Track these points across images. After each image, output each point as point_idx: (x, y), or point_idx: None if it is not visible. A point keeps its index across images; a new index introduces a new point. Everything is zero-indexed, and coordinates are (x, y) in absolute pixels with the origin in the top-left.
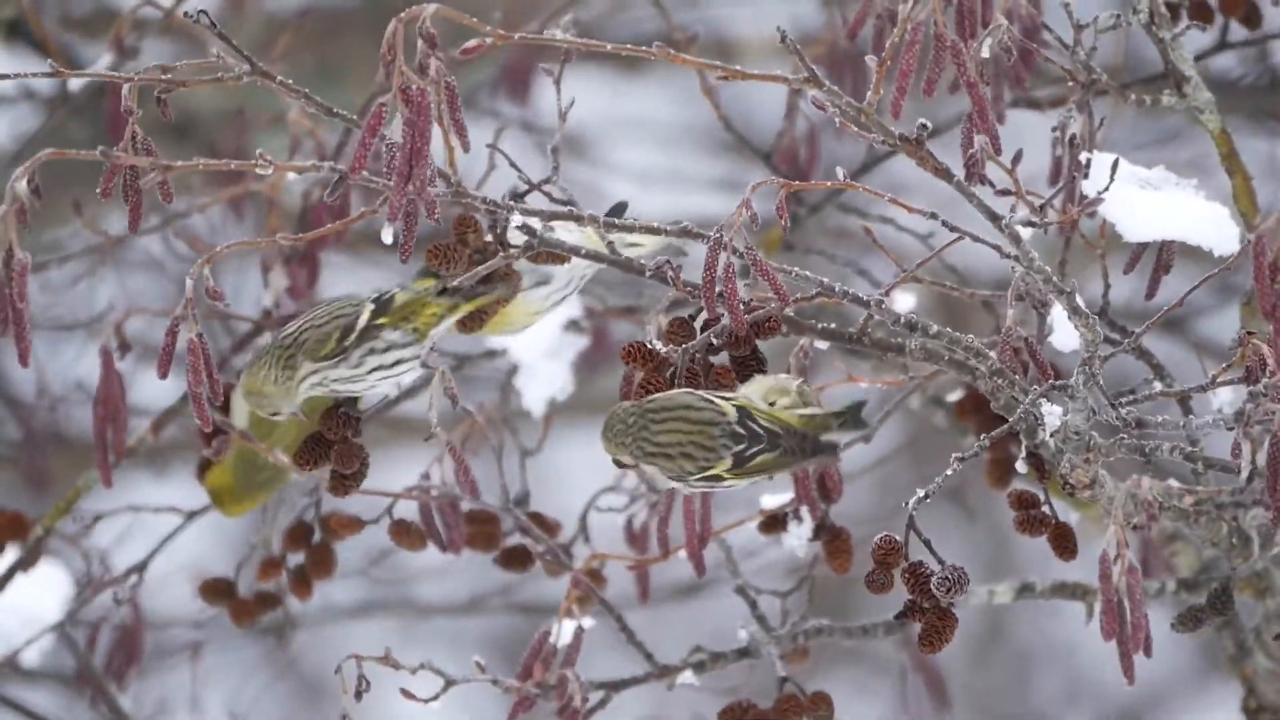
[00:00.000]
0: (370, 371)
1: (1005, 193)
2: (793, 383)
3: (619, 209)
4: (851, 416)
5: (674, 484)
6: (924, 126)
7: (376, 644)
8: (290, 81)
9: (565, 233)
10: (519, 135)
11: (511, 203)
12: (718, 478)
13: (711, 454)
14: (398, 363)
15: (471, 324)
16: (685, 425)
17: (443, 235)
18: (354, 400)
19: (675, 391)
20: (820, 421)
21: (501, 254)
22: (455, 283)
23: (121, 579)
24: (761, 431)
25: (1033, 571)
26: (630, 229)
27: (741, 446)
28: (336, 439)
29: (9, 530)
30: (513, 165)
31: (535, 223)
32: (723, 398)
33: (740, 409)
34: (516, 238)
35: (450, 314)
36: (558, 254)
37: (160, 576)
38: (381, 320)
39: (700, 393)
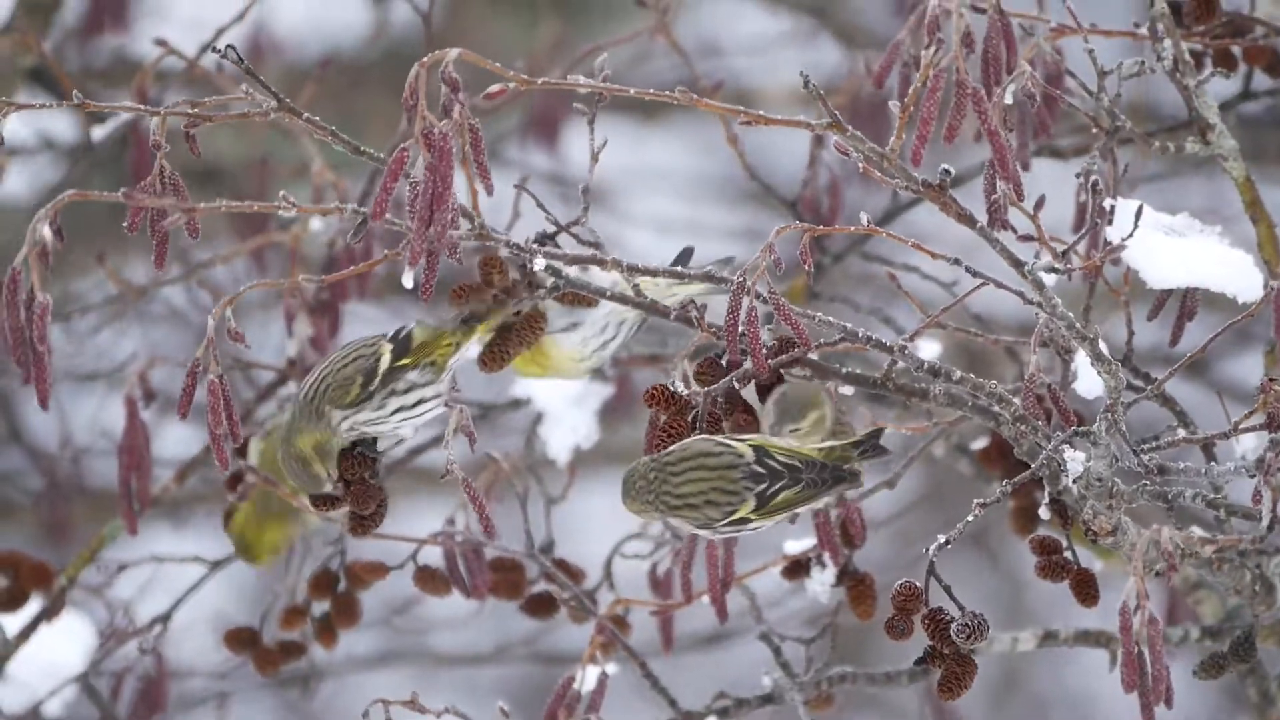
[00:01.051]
0: (394, 413)
1: (1028, 238)
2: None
3: (685, 255)
4: (871, 444)
5: (700, 532)
6: (946, 172)
7: (396, 693)
8: (315, 119)
9: (601, 278)
10: (544, 184)
11: (535, 245)
12: (744, 520)
13: (735, 497)
14: (419, 402)
15: (492, 363)
16: (705, 473)
17: (468, 276)
18: (371, 440)
19: (690, 440)
20: (840, 453)
21: (528, 294)
22: (469, 311)
23: (145, 629)
24: (781, 468)
25: (1049, 619)
26: (654, 273)
27: (763, 486)
28: (354, 480)
29: (33, 580)
30: (540, 206)
31: (560, 265)
32: (738, 439)
33: (756, 448)
34: (546, 279)
35: (466, 339)
36: (585, 296)
37: (181, 627)
38: (404, 362)
39: (716, 438)
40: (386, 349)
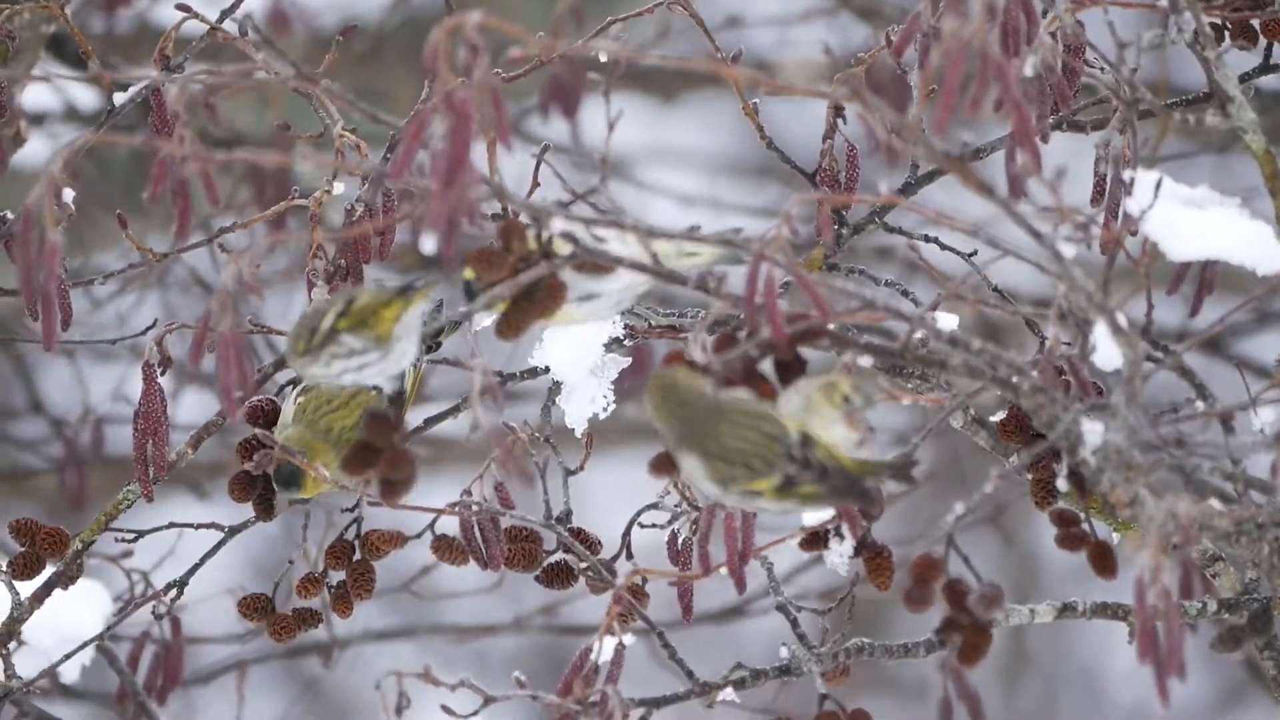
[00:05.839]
0: (341, 374)
1: (1047, 210)
2: (845, 382)
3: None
4: (903, 469)
5: (710, 486)
6: (966, 144)
7: (411, 665)
8: (335, 88)
9: (617, 246)
10: (564, 158)
11: (552, 208)
12: (757, 494)
13: (768, 467)
14: (363, 367)
15: (509, 331)
16: (756, 435)
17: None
18: (396, 400)
19: (745, 394)
20: (871, 467)
21: (545, 263)
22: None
23: (161, 594)
24: (815, 463)
25: (1064, 597)
26: (672, 238)
27: (793, 469)
28: (384, 445)
29: (49, 546)
30: (557, 175)
31: (579, 230)
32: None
33: (803, 434)
34: (563, 249)
35: (408, 306)
36: (602, 264)
37: (198, 598)
38: (340, 325)
39: (770, 406)
40: (337, 309)
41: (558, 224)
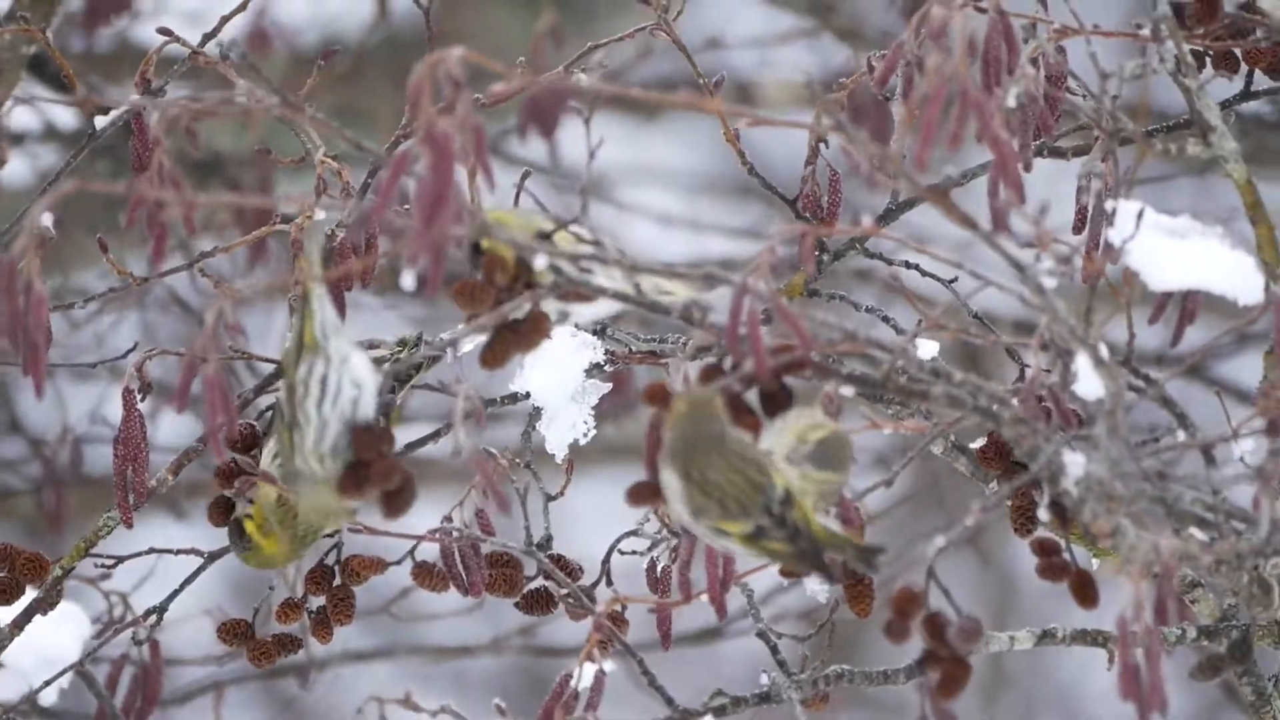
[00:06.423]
0: (329, 415)
1: (1031, 245)
2: (825, 419)
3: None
4: (867, 557)
5: (681, 509)
6: (949, 177)
7: (390, 686)
8: (319, 116)
9: (600, 275)
10: (544, 181)
11: (534, 244)
12: (726, 534)
13: (742, 514)
14: (327, 384)
15: (493, 361)
16: (741, 480)
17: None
18: (383, 412)
19: (750, 441)
20: (840, 542)
21: (529, 293)
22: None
23: (141, 620)
24: (790, 522)
25: (1040, 617)
26: (654, 273)
27: (767, 523)
28: (372, 457)
29: (28, 572)
30: (539, 205)
31: (564, 263)
32: (780, 470)
33: (788, 491)
34: (547, 277)
35: (307, 307)
36: (585, 293)
37: (178, 619)
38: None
39: (764, 459)
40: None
41: (540, 260)
